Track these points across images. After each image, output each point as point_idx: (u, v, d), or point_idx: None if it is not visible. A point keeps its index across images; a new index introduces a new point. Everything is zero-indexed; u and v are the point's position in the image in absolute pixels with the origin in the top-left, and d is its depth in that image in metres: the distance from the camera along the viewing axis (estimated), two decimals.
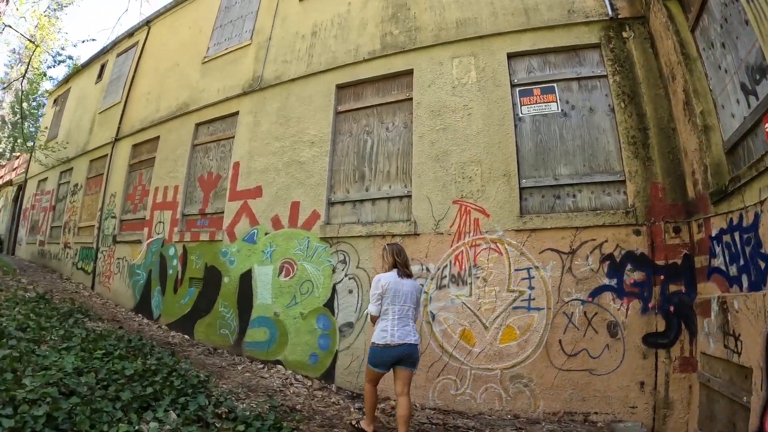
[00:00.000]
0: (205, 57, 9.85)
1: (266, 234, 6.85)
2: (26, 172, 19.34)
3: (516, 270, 5.12)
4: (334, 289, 6.00)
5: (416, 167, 5.79)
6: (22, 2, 10.91)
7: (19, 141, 26.64)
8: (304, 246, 6.36)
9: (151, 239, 9.19)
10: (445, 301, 5.30)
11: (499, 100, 5.67)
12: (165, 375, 4.62)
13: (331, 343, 5.88)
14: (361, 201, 6.15)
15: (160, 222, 9.09)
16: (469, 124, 5.70)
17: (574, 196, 5.22)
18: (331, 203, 6.38)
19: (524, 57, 5.87)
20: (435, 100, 6.01)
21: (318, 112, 6.92)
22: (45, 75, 12.92)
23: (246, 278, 6.95)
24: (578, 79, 5.58)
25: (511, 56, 5.86)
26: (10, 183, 21.53)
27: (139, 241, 9.55)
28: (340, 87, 6.97)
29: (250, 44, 8.84)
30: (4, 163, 26.43)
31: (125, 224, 10.56)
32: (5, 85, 20.81)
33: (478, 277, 5.21)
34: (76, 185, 13.97)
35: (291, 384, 5.71)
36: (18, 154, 24.11)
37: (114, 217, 10.93)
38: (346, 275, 5.95)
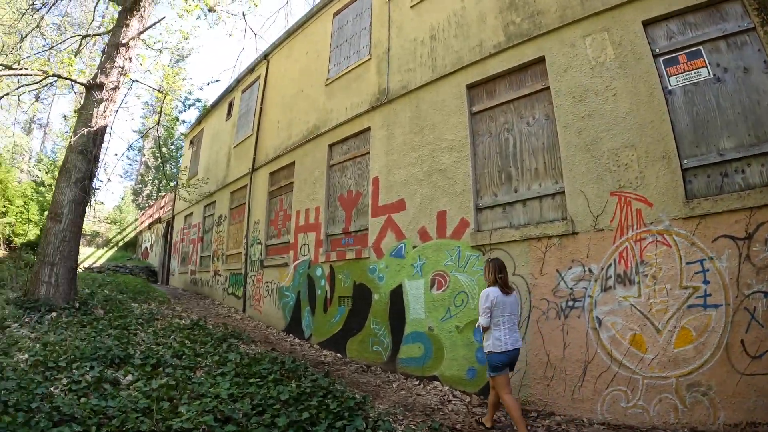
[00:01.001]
0: (327, 79, 10.56)
1: (414, 247, 7.14)
2: (173, 209, 21.72)
3: (687, 263, 4.68)
4: None
5: (565, 160, 5.67)
6: (144, 57, 12.26)
7: (162, 183, 29.85)
8: (455, 256, 6.51)
9: (298, 261, 9.91)
10: (611, 304, 5.05)
11: (644, 75, 5.29)
12: (320, 398, 4.75)
13: None
14: (511, 203, 6.18)
15: (304, 244, 9.78)
16: (615, 105, 5.42)
17: (742, 171, 4.64)
18: (479, 209, 6.49)
19: (661, 22, 5.39)
20: (574, 85, 5.83)
21: (452, 116, 7.10)
22: (177, 120, 14.23)
23: (397, 294, 7.30)
24: (724, 37, 4.97)
25: (646, 24, 5.42)
26: (159, 220, 24.33)
27: (286, 264, 10.35)
28: (470, 87, 7.08)
29: (369, 59, 9.32)
30: (152, 204, 29.94)
31: (271, 249, 11.49)
32: (143, 134, 23.47)
33: (646, 275, 4.89)
34: (221, 216, 15.45)
35: (449, 401, 5.86)
36: (163, 194, 27.10)
37: (260, 243, 11.94)
38: None
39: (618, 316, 4.98)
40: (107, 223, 34.21)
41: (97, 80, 10.09)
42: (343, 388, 5.50)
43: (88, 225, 32.37)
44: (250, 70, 15.81)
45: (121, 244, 30.55)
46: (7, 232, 16.58)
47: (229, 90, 17.44)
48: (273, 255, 11.33)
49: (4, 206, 16.12)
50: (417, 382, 6.54)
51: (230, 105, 17.18)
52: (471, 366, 6.08)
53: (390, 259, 7.50)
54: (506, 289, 4.81)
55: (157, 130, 13.90)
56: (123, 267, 21.48)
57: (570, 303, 5.26)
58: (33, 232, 19.13)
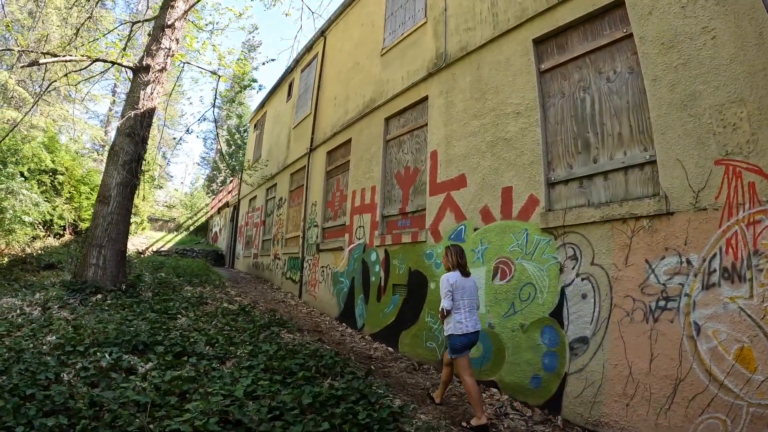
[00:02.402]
0: (382, 49, 9.90)
1: (475, 230, 6.34)
2: (239, 193, 21.87)
3: None
4: (562, 294, 5.08)
5: (656, 121, 4.58)
6: (193, 39, 12.32)
7: (226, 167, 30.46)
8: (522, 240, 5.64)
9: (353, 245, 9.39)
10: (714, 306, 3.91)
11: (749, 10, 4.04)
12: (351, 403, 4.17)
13: (558, 363, 4.99)
14: (589, 177, 5.20)
15: (360, 226, 9.22)
16: (715, 51, 4.22)
17: None
18: (550, 184, 5.57)
19: None
20: (662, 29, 4.67)
21: (517, 77, 6.19)
22: (233, 101, 14.18)
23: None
24: None
25: None
26: (227, 205, 24.69)
27: (341, 248, 9.86)
28: (537, 42, 6.07)
29: (425, 22, 8.54)
30: (221, 189, 30.62)
31: (327, 232, 11.06)
32: (199, 119, 23.94)
33: (761, 270, 3.68)
34: (281, 199, 15.26)
35: (506, 414, 5.09)
36: (231, 178, 27.56)
37: (316, 225, 11.55)
38: (577, 275, 4.97)
39: (722, 322, 3.83)
40: (179, 208, 35.37)
41: (143, 63, 10.10)
42: (383, 392, 4.85)
43: (159, 210, 33.66)
44: (308, 48, 15.52)
45: (192, 228, 31.47)
46: (73, 217, 17.19)
47: (289, 71, 17.24)
48: (329, 238, 10.88)
49: (69, 192, 16.66)
50: None
51: (290, 86, 16.97)
52: (536, 373, 5.20)
53: (448, 243, 6.71)
54: (465, 270, 5.04)
55: (213, 112, 13.78)
56: (190, 251, 21.99)
57: (661, 303, 4.21)
58: None
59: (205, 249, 23.46)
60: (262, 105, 20.78)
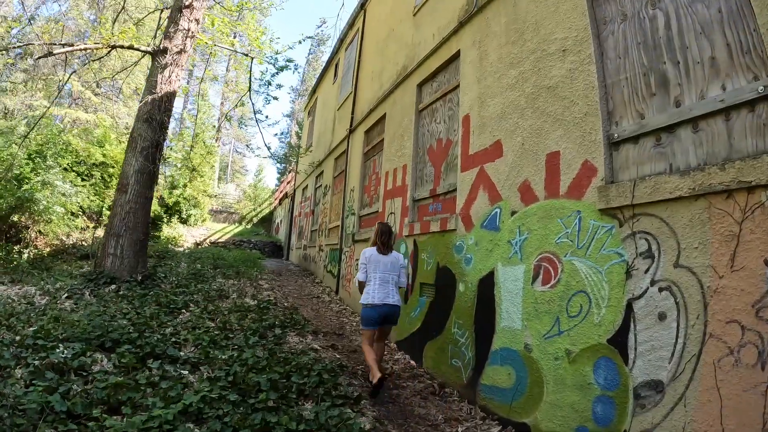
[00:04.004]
0: (414, 8, 8.34)
1: (513, 213, 4.66)
2: (294, 182, 21.03)
3: None
4: (628, 311, 3.28)
5: None
6: (214, 19, 11.50)
7: (283, 157, 30.14)
8: (573, 228, 3.89)
9: None
10: None
11: None
12: None
13: (615, 415, 3.25)
14: (671, 128, 3.37)
15: (391, 213, 7.80)
16: None
17: None
18: (613, 143, 3.78)
19: None
20: None
21: (561, 3, 4.43)
22: (269, 84, 13.18)
23: (486, 285, 4.90)
24: None
25: None
26: (286, 196, 23.94)
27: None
28: None
29: None
30: (284, 180, 30.15)
31: (363, 220, 9.74)
32: (236, 105, 23.30)
33: None
34: (326, 186, 14.20)
35: None
36: (291, 169, 26.94)
37: (353, 213, 10.27)
38: (652, 283, 3.15)
39: None
40: (244, 200, 35.32)
41: (161, 46, 9.46)
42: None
43: (226, 202, 33.74)
44: (350, 25, 14.25)
45: (255, 220, 31.18)
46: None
47: (335, 52, 16.13)
48: (365, 227, 9.51)
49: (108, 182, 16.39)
50: (498, 428, 4.25)
51: (336, 67, 15.85)
52: (582, 425, 3.48)
53: (481, 232, 5.12)
54: (384, 249, 5.26)
55: (250, 96, 12.82)
56: (248, 242, 21.49)
57: None
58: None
59: (263, 240, 22.91)
60: (314, 91, 19.78)
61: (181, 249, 17.75)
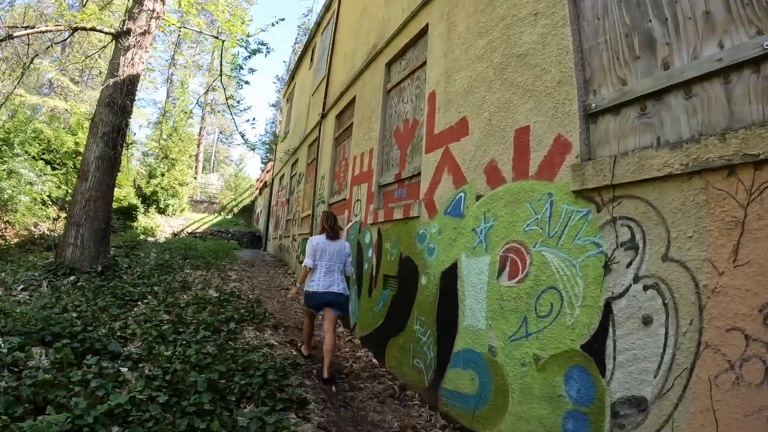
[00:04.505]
0: None
1: (478, 198, 4.05)
2: (273, 171, 20.37)
3: None
4: (607, 312, 2.69)
5: None
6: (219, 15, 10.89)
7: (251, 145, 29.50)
8: (544, 213, 3.27)
9: (350, 224, 7.41)
10: None
11: None
12: None
13: None
14: (658, 95, 2.76)
15: (357, 200, 7.21)
16: None
17: None
18: (589, 114, 3.17)
19: None
20: None
21: None
22: (241, 68, 12.55)
23: (450, 278, 4.29)
24: None
25: None
26: (266, 185, 23.26)
27: (341, 228, 7.81)
28: None
29: None
30: (263, 169, 29.39)
31: (333, 209, 9.13)
32: (206, 90, 22.29)
33: None
34: (300, 174, 13.58)
35: None
36: (271, 157, 26.23)
37: (323, 201, 9.64)
38: (636, 278, 2.56)
39: None
40: (226, 189, 34.47)
41: (125, 27, 8.87)
42: None
43: (207, 191, 32.87)
44: (327, 8, 13.54)
45: (236, 210, 30.37)
46: None
47: (312, 36, 15.45)
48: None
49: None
50: None
51: (312, 51, 15.15)
52: None
53: (444, 220, 4.52)
54: (332, 234, 5.29)
55: (221, 81, 12.14)
56: (225, 232, 20.82)
57: None
58: (124, 198, 19.32)
59: (242, 230, 22.22)
60: (292, 77, 19.03)
61: (155, 240, 17.03)
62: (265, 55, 17.99)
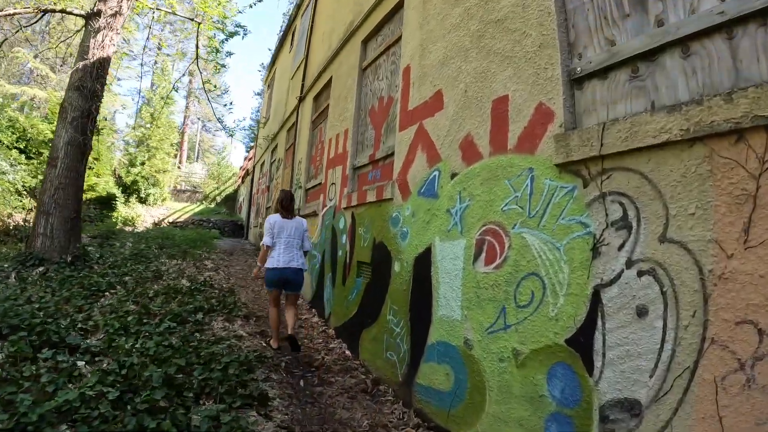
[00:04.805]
0: None
1: (453, 176, 3.68)
2: (254, 158, 19.90)
3: None
4: (596, 301, 2.34)
5: None
6: None
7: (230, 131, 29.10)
8: (524, 190, 2.91)
9: (325, 208, 7.03)
10: None
11: None
12: None
13: None
14: (651, 55, 2.40)
15: (332, 184, 6.83)
16: None
17: None
18: (574, 79, 2.80)
19: None
20: None
21: None
22: (218, 51, 12.10)
23: (423, 264, 3.92)
24: None
25: None
26: (248, 173, 22.76)
27: (316, 214, 7.46)
28: None
29: None
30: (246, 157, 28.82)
31: (309, 194, 8.76)
32: (183, 74, 21.79)
33: None
34: (279, 160, 13.15)
35: None
36: (252, 145, 25.69)
37: (300, 186, 9.20)
38: (629, 263, 2.20)
39: None
40: (209, 178, 33.81)
41: (95, 8, 8.45)
42: None
43: (191, 181, 32.23)
44: None
45: (219, 199, 29.77)
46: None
47: (292, 19, 14.87)
48: (310, 201, 8.52)
49: None
50: None
51: (293, 35, 14.61)
52: None
53: (418, 201, 4.15)
54: (287, 214, 5.32)
55: (198, 64, 11.67)
56: (207, 221, 20.33)
57: None
58: (102, 187, 18.76)
59: (224, 219, 21.72)
60: (273, 62, 18.46)
61: (134, 229, 16.51)
62: (242, 37, 17.48)
